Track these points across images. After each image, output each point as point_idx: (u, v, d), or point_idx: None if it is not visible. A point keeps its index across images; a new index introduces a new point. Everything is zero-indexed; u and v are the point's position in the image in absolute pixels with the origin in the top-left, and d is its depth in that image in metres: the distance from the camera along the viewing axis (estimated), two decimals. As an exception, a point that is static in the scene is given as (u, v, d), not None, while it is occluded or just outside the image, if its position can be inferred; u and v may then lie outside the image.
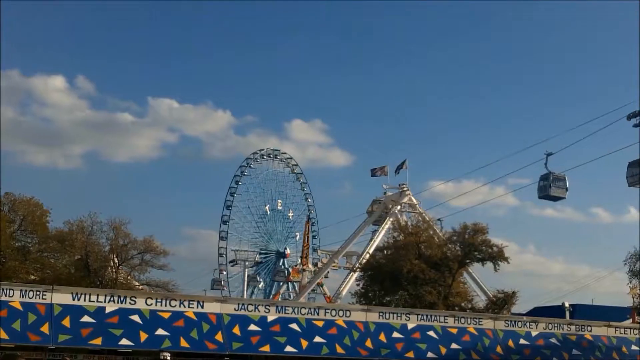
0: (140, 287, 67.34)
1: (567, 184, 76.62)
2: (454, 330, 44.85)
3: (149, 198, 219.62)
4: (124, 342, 36.49)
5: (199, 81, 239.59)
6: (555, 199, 76.25)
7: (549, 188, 73.52)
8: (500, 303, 67.52)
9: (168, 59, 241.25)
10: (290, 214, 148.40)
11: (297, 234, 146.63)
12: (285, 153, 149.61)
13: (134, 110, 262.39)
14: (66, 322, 35.83)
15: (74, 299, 36.81)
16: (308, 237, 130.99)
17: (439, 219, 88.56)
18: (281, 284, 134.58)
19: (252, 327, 39.97)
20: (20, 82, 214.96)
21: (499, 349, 44.82)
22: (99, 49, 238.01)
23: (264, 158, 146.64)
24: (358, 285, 75.43)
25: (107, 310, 37.25)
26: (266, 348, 39.36)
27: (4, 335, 34.17)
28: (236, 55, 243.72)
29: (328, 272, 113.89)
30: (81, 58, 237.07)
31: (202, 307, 39.68)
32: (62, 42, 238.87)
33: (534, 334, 46.70)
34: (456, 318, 45.90)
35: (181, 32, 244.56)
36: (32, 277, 64.89)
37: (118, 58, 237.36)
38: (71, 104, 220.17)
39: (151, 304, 38.62)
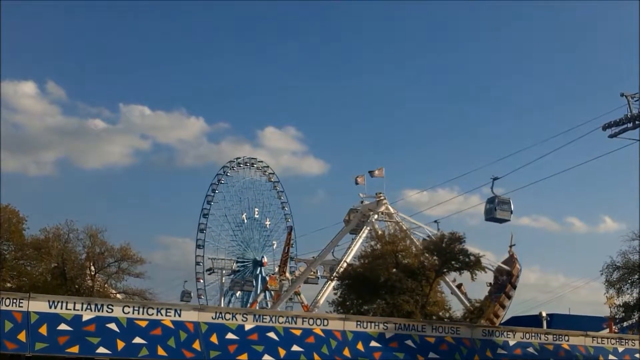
0: (117, 295, 67.01)
1: (512, 206, 78.81)
2: (432, 340, 44.89)
3: (122, 205, 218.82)
4: (101, 350, 36.25)
5: (171, 87, 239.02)
6: (501, 221, 78.22)
7: (494, 211, 75.70)
8: (478, 312, 67.72)
9: (139, 65, 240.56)
10: (267, 223, 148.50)
11: (274, 242, 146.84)
12: (262, 161, 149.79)
13: (106, 116, 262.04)
14: (43, 330, 35.61)
15: (50, 307, 36.57)
16: (289, 247, 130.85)
17: (435, 221, 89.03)
18: (258, 292, 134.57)
19: (230, 336, 39.85)
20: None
21: (476, 358, 44.89)
22: (68, 54, 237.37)
23: (240, 166, 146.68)
24: (335, 294, 75.23)
25: (84, 318, 37.02)
26: (244, 357, 39.23)
27: (-20, 343, 33.98)
28: (209, 61, 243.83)
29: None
30: (50, 63, 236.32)
31: (180, 315, 39.53)
32: (30, 47, 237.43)
33: (511, 343, 46.82)
34: (434, 327, 45.97)
35: (152, 38, 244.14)
36: (8, 285, 64.36)
37: (88, 63, 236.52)
38: (42, 110, 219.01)
39: (128, 312, 38.43)
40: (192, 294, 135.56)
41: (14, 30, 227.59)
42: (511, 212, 76.66)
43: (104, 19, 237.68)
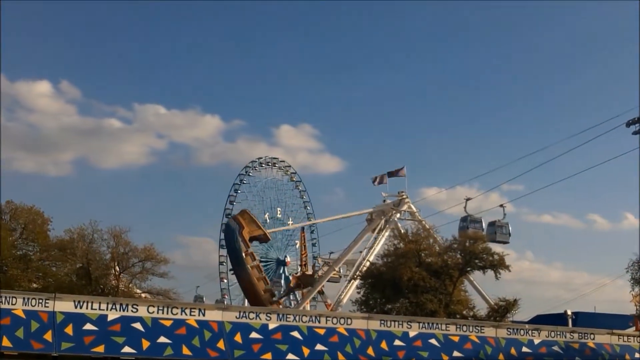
0: (142, 295, 67.36)
1: (484, 225, 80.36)
2: (456, 339, 44.77)
3: (140, 205, 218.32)
4: (127, 349, 36.44)
5: (186, 86, 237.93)
6: None
7: (466, 229, 76.93)
8: (502, 311, 67.55)
9: (153, 64, 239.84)
10: (290, 222, 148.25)
11: (297, 242, 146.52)
12: (283, 161, 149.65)
13: (121, 115, 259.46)
14: (69, 330, 35.83)
15: (76, 307, 36.77)
16: (305, 245, 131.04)
17: (501, 205, 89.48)
18: (282, 291, 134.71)
19: (254, 335, 39.92)
20: (5, 87, 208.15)
21: (501, 357, 44.73)
22: (81, 53, 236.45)
23: (262, 166, 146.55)
24: (359, 293, 75.33)
25: (110, 318, 37.20)
26: (268, 356, 39.31)
27: (7, 343, 34.12)
28: (223, 59, 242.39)
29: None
30: (64, 62, 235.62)
31: (204, 315, 39.65)
32: (44, 46, 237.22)
33: (536, 342, 46.57)
34: (458, 326, 45.82)
35: (166, 36, 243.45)
36: (34, 285, 64.94)
37: (102, 62, 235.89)
38: (58, 109, 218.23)
39: (153, 312, 38.58)
40: (204, 299, 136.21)
41: (28, 30, 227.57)
42: (483, 230, 78.90)
43: (117, 18, 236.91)
